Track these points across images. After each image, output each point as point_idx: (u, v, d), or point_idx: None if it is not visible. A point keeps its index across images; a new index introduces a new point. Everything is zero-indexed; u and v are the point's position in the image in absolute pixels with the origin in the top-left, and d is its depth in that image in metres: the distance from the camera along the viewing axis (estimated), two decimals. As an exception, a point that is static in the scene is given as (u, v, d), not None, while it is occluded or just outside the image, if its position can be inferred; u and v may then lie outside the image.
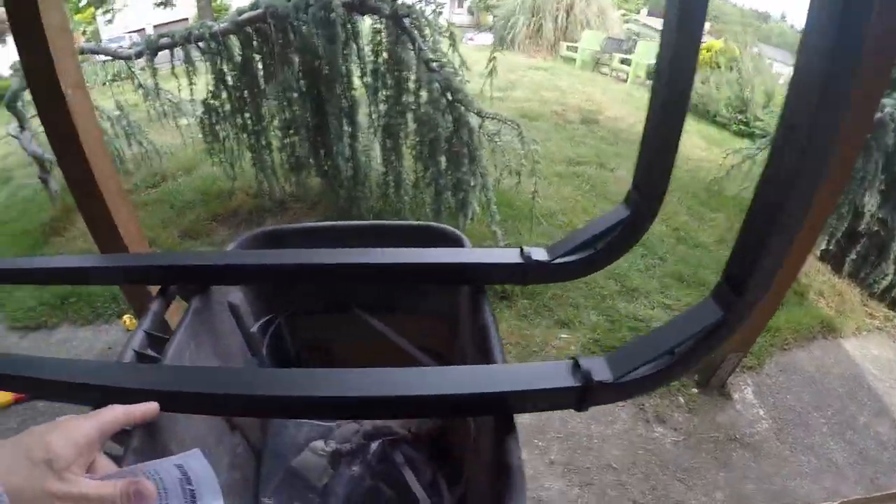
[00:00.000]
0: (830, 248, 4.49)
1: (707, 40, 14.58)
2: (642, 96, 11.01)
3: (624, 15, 25.01)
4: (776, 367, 3.37)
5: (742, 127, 9.45)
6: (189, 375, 0.98)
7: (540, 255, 1.20)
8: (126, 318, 3.73)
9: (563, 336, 3.29)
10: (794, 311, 3.88)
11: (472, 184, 3.52)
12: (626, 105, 9.43)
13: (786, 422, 2.97)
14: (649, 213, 1.15)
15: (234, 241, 1.40)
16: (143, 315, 1.21)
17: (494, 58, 3.72)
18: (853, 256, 4.37)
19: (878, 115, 3.83)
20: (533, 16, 15.86)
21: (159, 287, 1.28)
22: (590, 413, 2.77)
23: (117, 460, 0.90)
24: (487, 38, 17.02)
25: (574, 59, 13.55)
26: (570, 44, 14.35)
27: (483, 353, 1.08)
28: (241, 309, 1.39)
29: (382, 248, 1.23)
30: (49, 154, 5.33)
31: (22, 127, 5.19)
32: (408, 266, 1.21)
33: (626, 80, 12.58)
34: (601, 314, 3.50)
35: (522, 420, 2.68)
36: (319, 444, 1.43)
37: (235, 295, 1.38)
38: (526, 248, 1.21)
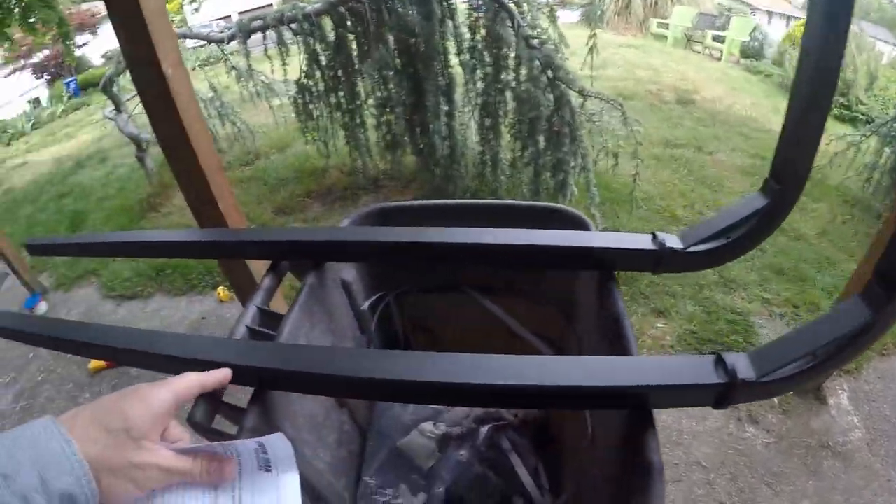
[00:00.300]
0: None
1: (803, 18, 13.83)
2: (738, 76, 10.58)
3: None
4: (874, 373, 3.15)
5: (843, 111, 8.89)
6: (304, 355, 0.93)
7: (673, 241, 1.07)
8: (220, 290, 3.85)
9: (659, 325, 3.18)
10: None
11: (573, 164, 3.40)
12: (722, 85, 9.00)
13: (880, 433, 2.79)
14: (788, 202, 1.03)
15: (348, 218, 1.35)
16: (254, 291, 1.18)
17: (594, 34, 3.55)
18: None
19: None
20: (623, -11, 15.39)
21: (270, 263, 1.25)
22: (680, 410, 2.71)
23: (230, 439, 0.88)
24: (571, 16, 16.65)
25: (665, 37, 13.03)
26: (661, 20, 13.77)
27: (613, 344, 1.01)
28: (353, 286, 1.34)
29: (500, 228, 1.14)
30: (145, 134, 5.54)
31: (118, 109, 5.39)
32: (530, 248, 1.10)
33: (719, 59, 12.00)
34: (698, 305, 3.35)
35: None
36: (428, 426, 1.40)
37: (348, 272, 1.33)
38: (659, 234, 1.09)
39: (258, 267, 2.67)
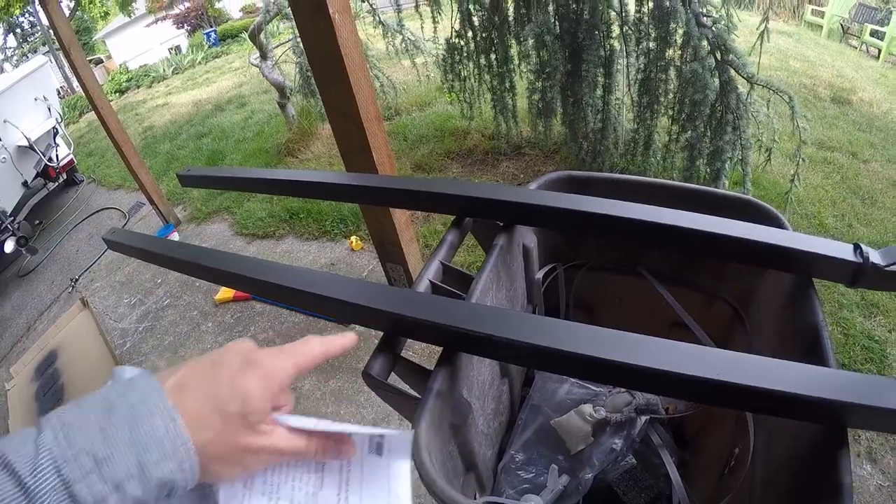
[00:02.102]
0: None
1: None
2: None
3: None
4: None
5: None
6: (499, 320, 0.88)
7: (876, 257, 0.98)
8: (353, 238, 3.91)
9: None
10: None
11: (730, 156, 3.19)
12: (881, 87, 8.18)
13: None
14: None
15: (536, 182, 1.31)
16: (439, 245, 1.15)
17: (767, 18, 3.28)
18: None
19: None
20: (776, -32, 14.48)
21: (454, 217, 1.22)
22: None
23: (410, 400, 0.87)
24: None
25: (820, 27, 12.08)
26: (817, 7, 12.68)
27: (809, 353, 0.95)
28: (532, 254, 1.30)
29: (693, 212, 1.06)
30: (289, 82, 5.71)
31: (263, 56, 5.57)
32: (727, 238, 1.02)
33: (877, 57, 10.97)
34: (836, 324, 3.08)
35: None
36: (588, 408, 1.33)
37: (530, 238, 1.29)
38: (863, 247, 0.99)
39: (402, 225, 2.69)
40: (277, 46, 5.91)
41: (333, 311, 1.00)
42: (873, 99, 7.18)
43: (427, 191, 1.21)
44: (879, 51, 10.97)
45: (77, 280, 4.77)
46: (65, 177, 7.24)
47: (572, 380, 1.42)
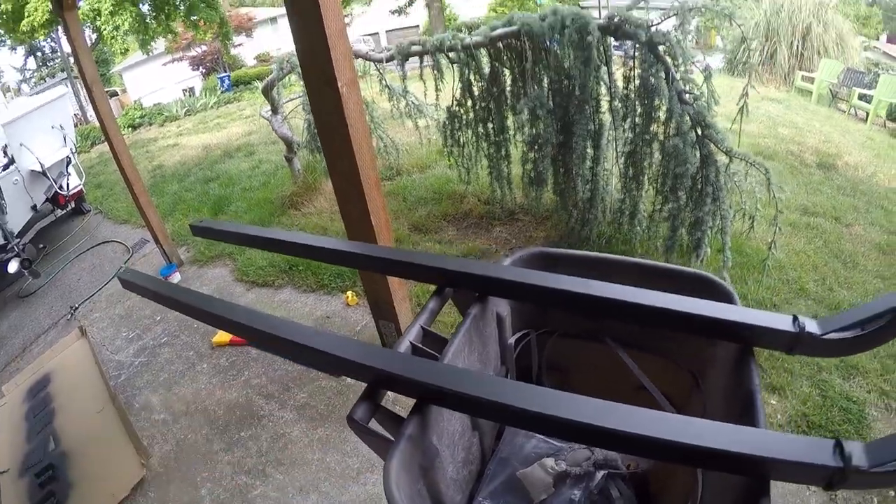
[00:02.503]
0: None
1: None
2: (883, 141, 9.83)
3: (863, 42, 22.79)
4: None
5: None
6: (466, 378, 1.06)
7: (812, 327, 1.12)
8: (349, 293, 4.04)
9: (772, 402, 3.09)
10: None
11: (711, 225, 3.38)
12: (866, 151, 8.45)
13: None
14: None
15: (509, 258, 1.48)
16: (420, 311, 1.31)
17: (747, 94, 3.51)
18: None
19: None
20: (766, 40, 14.72)
21: (435, 287, 1.38)
22: (779, 487, 2.53)
23: (386, 443, 1.03)
24: (714, 62, 16.22)
25: (809, 92, 12.35)
26: (806, 74, 13.06)
27: (742, 416, 1.08)
28: (505, 322, 1.45)
29: (649, 289, 1.22)
30: (297, 137, 5.93)
31: (275, 111, 5.80)
32: (679, 314, 1.18)
33: (864, 120, 11.25)
34: (814, 387, 3.20)
35: None
36: (550, 461, 1.46)
37: (504, 307, 1.44)
38: (800, 318, 1.13)
39: (395, 285, 2.84)
40: (288, 101, 6.13)
41: (325, 364, 1.16)
42: (858, 163, 7.38)
43: (413, 262, 1.38)
44: (867, 114, 11.23)
45: (77, 308, 4.87)
46: (73, 205, 7.41)
47: (539, 436, 1.55)
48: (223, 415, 3.21)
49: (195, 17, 14.07)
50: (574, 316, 1.56)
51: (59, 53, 23.93)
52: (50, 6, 11.10)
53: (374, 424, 1.10)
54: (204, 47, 24.87)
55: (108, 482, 2.85)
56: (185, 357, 3.81)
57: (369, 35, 26.66)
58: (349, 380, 3.21)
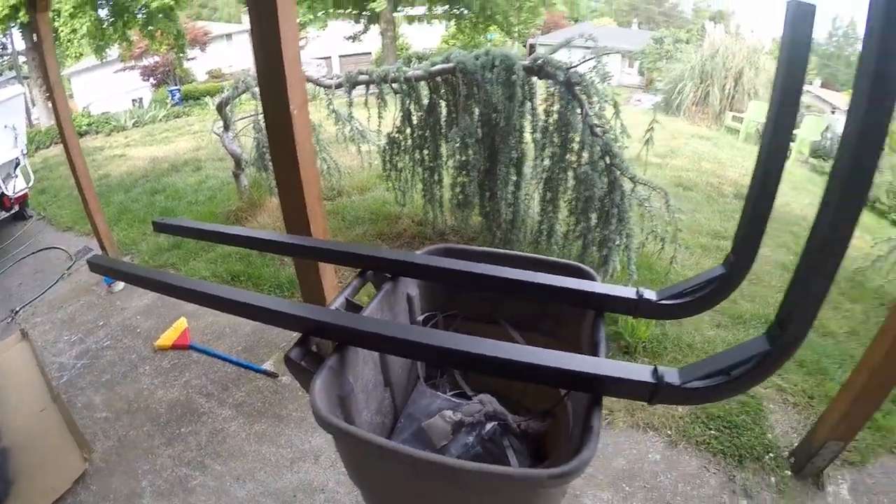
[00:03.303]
0: None
1: None
2: (802, 175, 10.78)
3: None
4: (881, 468, 3.11)
5: None
6: (374, 324, 1.40)
7: (651, 294, 1.53)
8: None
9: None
10: None
11: (618, 243, 3.77)
12: (784, 184, 8.95)
13: None
14: (741, 273, 1.44)
15: (421, 251, 1.80)
16: (345, 287, 1.64)
17: (652, 128, 3.95)
18: None
19: None
20: (701, 82, 15.63)
21: (358, 270, 1.71)
22: (680, 471, 2.85)
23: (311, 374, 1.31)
24: (655, 100, 17.04)
25: (738, 131, 13.15)
26: (736, 114, 13.89)
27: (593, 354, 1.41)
28: (414, 301, 1.78)
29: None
30: (246, 155, 6.09)
31: (226, 127, 5.92)
32: (551, 288, 1.57)
33: (788, 157, 12.13)
34: None
35: (616, 464, 2.87)
36: (448, 413, 1.72)
37: (413, 289, 1.78)
38: (641, 289, 1.55)
39: (327, 278, 3.10)
40: (240, 119, 6.29)
41: (271, 318, 1.47)
42: (784, 190, 7.97)
43: (340, 250, 1.73)
44: (791, 151, 12.03)
45: (17, 312, 4.76)
46: (17, 209, 7.10)
47: (441, 395, 1.88)
48: (164, 412, 3.29)
49: (152, 28, 14.09)
50: (475, 300, 1.90)
51: (9, 51, 23.26)
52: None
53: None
54: (157, 58, 24.65)
55: (49, 477, 2.87)
56: (127, 360, 3.85)
57: (322, 58, 27.03)
58: (284, 379, 3.41)
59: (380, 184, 6.32)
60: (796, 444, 3.05)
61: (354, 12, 24.54)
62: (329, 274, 2.99)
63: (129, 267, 1.93)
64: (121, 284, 4.92)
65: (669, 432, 3.11)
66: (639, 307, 1.55)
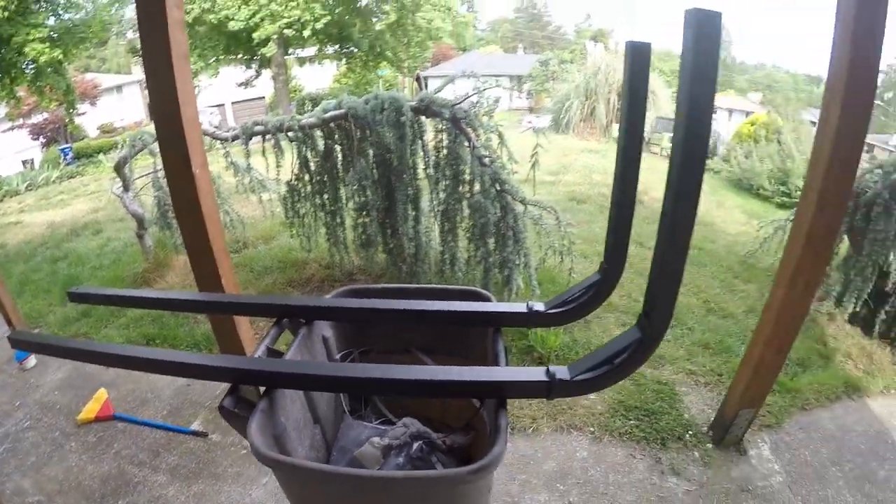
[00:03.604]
0: (859, 310, 4.48)
1: (755, 114, 14.85)
2: None
3: (673, 93, 25.47)
4: (796, 425, 3.48)
5: (784, 199, 9.48)
6: (297, 365, 1.58)
7: (540, 306, 1.77)
8: None
9: (591, 397, 3.59)
10: (818, 374, 4.01)
11: (517, 262, 4.03)
12: (661, 186, 9.65)
13: (801, 475, 3.07)
14: (615, 277, 1.69)
15: (330, 294, 1.97)
16: (264, 336, 1.78)
17: (537, 152, 4.29)
18: (883, 317, 4.36)
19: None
20: (587, 99, 16.49)
21: (275, 319, 1.87)
22: (608, 462, 3.08)
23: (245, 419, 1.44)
24: (545, 122, 17.72)
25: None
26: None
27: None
28: (330, 342, 1.95)
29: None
30: (148, 214, 6.00)
31: (126, 188, 5.82)
32: (451, 313, 1.79)
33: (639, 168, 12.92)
34: (629, 379, 3.53)
35: (547, 466, 3.06)
36: (376, 439, 1.81)
37: (328, 331, 1.94)
38: (531, 302, 1.78)
39: (244, 332, 3.18)
40: (139, 178, 6.15)
41: (199, 373, 1.60)
42: (661, 193, 8.49)
43: (255, 302, 1.88)
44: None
45: None
46: None
47: (368, 425, 2.02)
48: (98, 488, 3.18)
49: (41, 83, 13.53)
50: (386, 334, 2.08)
51: None
52: None
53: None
54: (46, 115, 23.69)
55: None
56: (51, 438, 3.67)
57: (216, 106, 26.62)
58: (214, 437, 3.39)
59: (283, 231, 6.35)
60: (713, 419, 3.34)
61: (245, 57, 24.54)
62: (245, 326, 3.05)
63: (55, 339, 2.00)
64: (33, 360, 4.69)
65: (592, 429, 3.35)
66: (530, 319, 1.79)
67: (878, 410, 3.75)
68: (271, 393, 1.51)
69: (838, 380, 3.96)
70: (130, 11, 23.53)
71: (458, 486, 1.35)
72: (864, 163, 4.49)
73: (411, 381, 1.43)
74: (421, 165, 4.32)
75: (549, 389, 1.45)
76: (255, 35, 21.48)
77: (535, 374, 1.46)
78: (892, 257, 4.14)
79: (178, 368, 1.65)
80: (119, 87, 31.99)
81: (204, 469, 3.21)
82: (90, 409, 3.77)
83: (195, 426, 3.52)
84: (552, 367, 1.45)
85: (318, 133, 4.41)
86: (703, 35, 1.04)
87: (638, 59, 1.41)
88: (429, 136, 4.25)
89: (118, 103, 30.85)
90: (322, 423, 1.90)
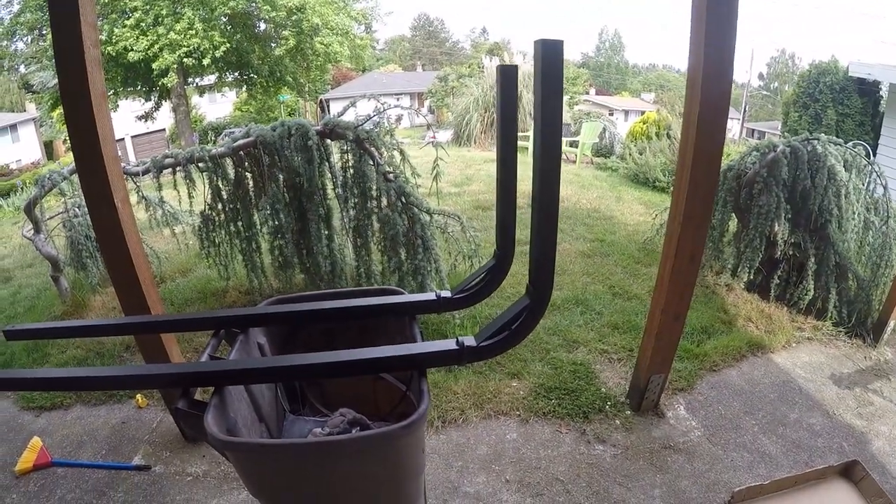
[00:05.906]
0: (753, 278, 4.95)
1: (646, 111, 15.72)
2: (588, 175, 12.10)
3: (572, 98, 26.06)
4: (707, 385, 3.80)
5: None
6: (240, 363, 1.79)
7: (447, 293, 2.06)
8: (138, 397, 4.03)
9: (513, 385, 3.80)
10: (722, 339, 4.37)
11: (429, 269, 4.28)
12: (573, 185, 10.38)
13: (717, 427, 3.36)
14: (507, 261, 1.96)
15: (261, 303, 2.19)
16: (205, 347, 1.95)
17: (437, 165, 4.60)
18: (776, 281, 4.81)
19: (772, 154, 4.53)
20: (486, 111, 16.83)
21: (213, 331, 2.07)
22: (537, 440, 3.30)
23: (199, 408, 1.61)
24: (447, 135, 18.23)
25: (526, 148, 13.76)
26: (522, 133, 14.62)
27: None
28: (265, 348, 2.15)
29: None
30: (62, 255, 5.88)
31: (37, 230, 5.66)
32: (371, 307, 2.08)
33: (574, 162, 13.77)
34: (546, 364, 4.01)
35: (481, 451, 3.24)
36: (317, 430, 1.96)
37: (262, 338, 2.14)
38: (438, 290, 2.08)
39: (175, 354, 3.27)
40: (50, 219, 5.99)
41: (149, 383, 1.79)
42: (565, 195, 8.97)
43: (192, 318, 2.09)
44: (576, 155, 13.54)
45: None
46: None
47: (309, 419, 2.21)
48: None
49: None
50: (314, 336, 2.28)
51: None
52: None
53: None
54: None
55: None
56: None
57: (116, 141, 25.75)
58: (157, 469, 3.34)
59: (200, 262, 6.30)
60: (628, 388, 3.66)
61: (145, 89, 23.87)
62: (175, 351, 3.21)
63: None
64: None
65: (518, 412, 3.58)
66: (440, 304, 2.06)
67: (782, 363, 4.15)
68: (220, 392, 1.66)
69: (742, 341, 4.36)
70: (21, 44, 22.63)
71: (394, 442, 1.53)
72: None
73: (344, 362, 1.64)
74: (330, 186, 4.52)
75: (460, 356, 1.67)
76: (154, 65, 20.96)
77: (447, 344, 1.68)
78: (776, 227, 4.62)
79: (131, 381, 1.82)
80: (13, 126, 30.42)
81: (152, 501, 3.18)
82: (26, 459, 3.58)
83: (136, 461, 3.45)
84: (461, 338, 1.67)
85: (229, 161, 4.50)
86: (550, 60, 1.28)
87: (507, 79, 1.74)
88: (335, 157, 4.45)
89: (12, 145, 29.46)
90: (266, 421, 2.05)
